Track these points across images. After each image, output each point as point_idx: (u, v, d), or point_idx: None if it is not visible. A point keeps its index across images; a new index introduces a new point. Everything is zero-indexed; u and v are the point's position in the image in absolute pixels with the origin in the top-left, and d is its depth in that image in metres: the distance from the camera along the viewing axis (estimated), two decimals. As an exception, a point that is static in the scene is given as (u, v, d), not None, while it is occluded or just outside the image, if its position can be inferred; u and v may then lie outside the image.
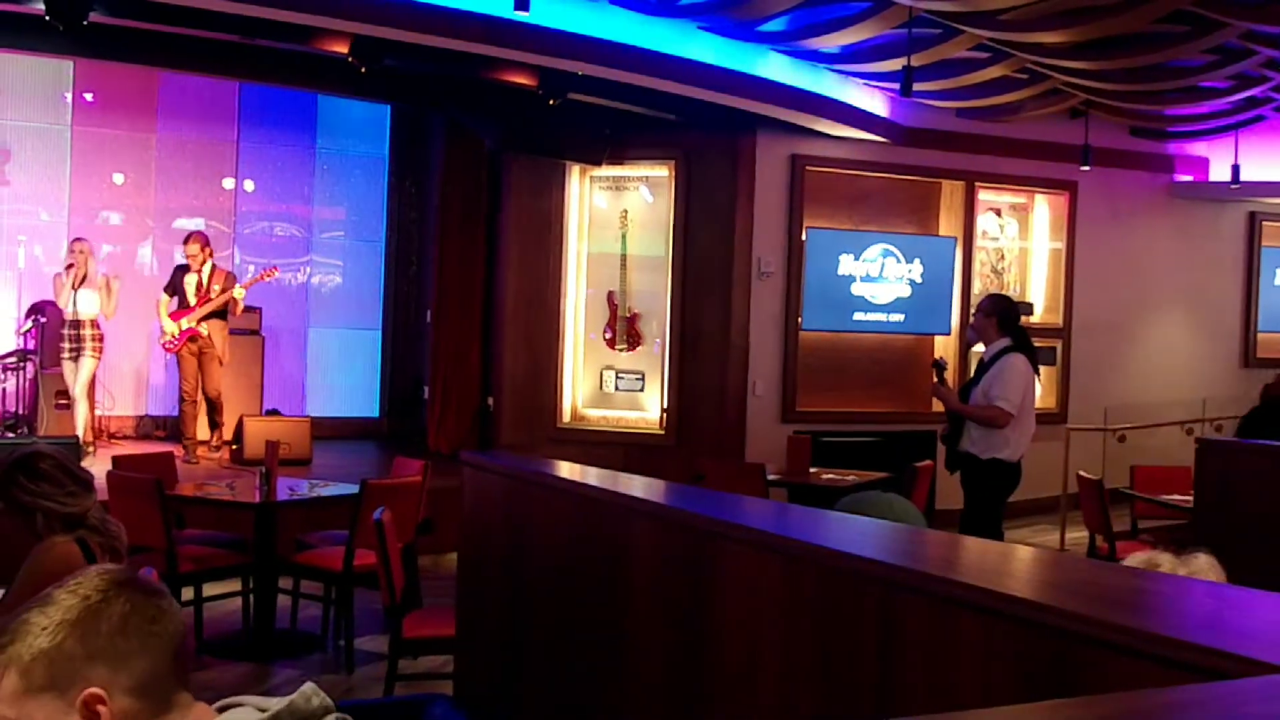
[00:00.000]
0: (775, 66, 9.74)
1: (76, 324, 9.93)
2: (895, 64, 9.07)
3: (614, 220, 11.33)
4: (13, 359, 10.87)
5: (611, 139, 11.00)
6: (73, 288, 9.88)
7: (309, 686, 1.90)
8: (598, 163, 11.18)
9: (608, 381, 11.29)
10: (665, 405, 10.92)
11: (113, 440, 11.37)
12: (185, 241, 10.62)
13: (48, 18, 8.09)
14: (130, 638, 1.58)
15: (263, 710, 1.95)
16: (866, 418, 11.07)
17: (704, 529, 3.15)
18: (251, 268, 12.16)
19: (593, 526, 3.78)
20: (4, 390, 10.95)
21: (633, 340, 11.18)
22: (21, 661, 1.54)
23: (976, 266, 11.84)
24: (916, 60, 8.83)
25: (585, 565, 3.79)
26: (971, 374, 8.26)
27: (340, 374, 12.93)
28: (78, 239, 10.24)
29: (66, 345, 9.97)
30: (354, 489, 6.96)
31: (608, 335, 11.29)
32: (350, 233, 13.08)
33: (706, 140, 10.81)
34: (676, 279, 10.93)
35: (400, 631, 5.62)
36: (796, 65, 9.89)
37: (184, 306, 10.44)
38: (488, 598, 4.43)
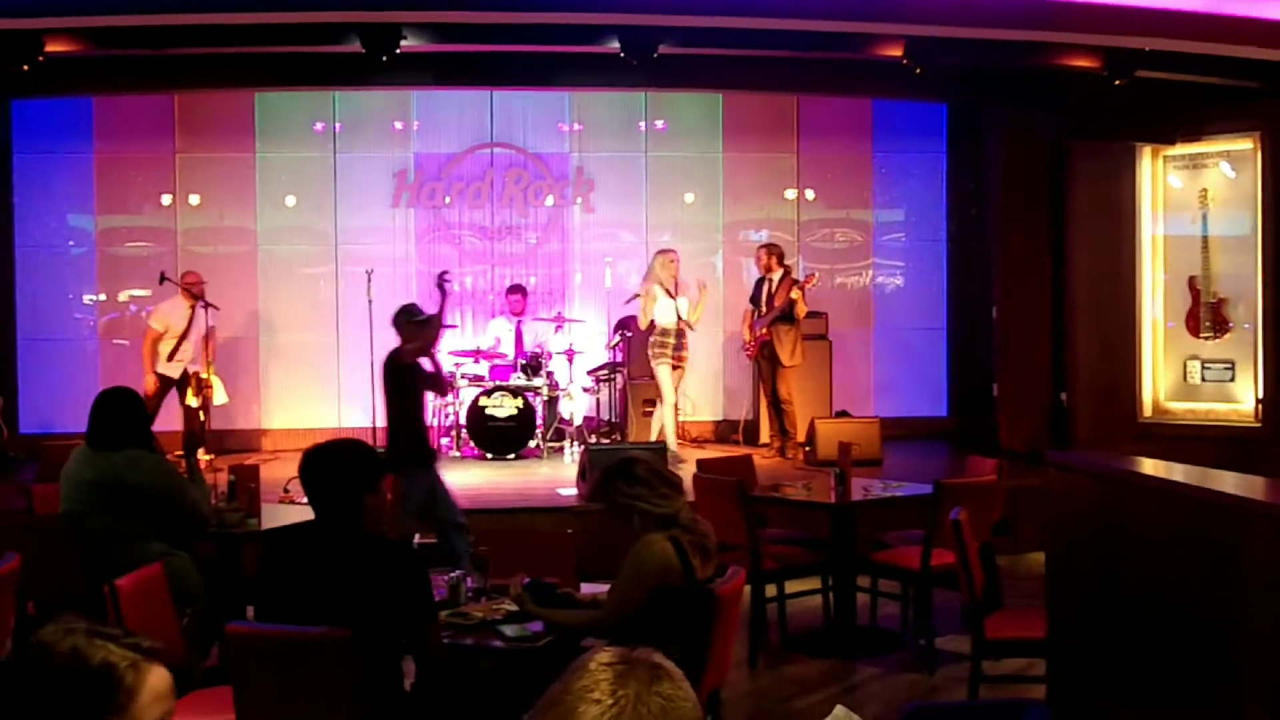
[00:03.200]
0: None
1: (667, 333, 10.52)
2: None
3: (1192, 200, 10.63)
4: (604, 371, 11.81)
5: (1186, 114, 10.32)
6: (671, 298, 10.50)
7: (841, 710, 1.88)
8: (1171, 141, 10.56)
9: (1192, 372, 10.61)
10: (1260, 395, 10.08)
11: (694, 444, 12.05)
12: (758, 252, 11.20)
13: (622, 55, 8.76)
14: None
15: None
16: None
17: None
18: (816, 275, 12.49)
19: (1192, 528, 3.54)
20: (597, 400, 11.93)
21: (1219, 327, 10.43)
22: None
23: None
24: None
25: (1186, 570, 3.56)
26: None
27: (906, 374, 12.99)
28: (664, 250, 10.87)
29: (659, 353, 10.56)
30: (928, 489, 6.96)
31: (1190, 323, 10.61)
32: (911, 233, 13.11)
33: (1296, 105, 9.88)
34: (1267, 258, 10.06)
35: (983, 632, 5.54)
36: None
37: (759, 316, 10.99)
38: (1080, 601, 4.27)
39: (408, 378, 7.61)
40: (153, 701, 1.90)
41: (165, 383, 10.56)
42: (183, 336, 10.57)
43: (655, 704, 1.61)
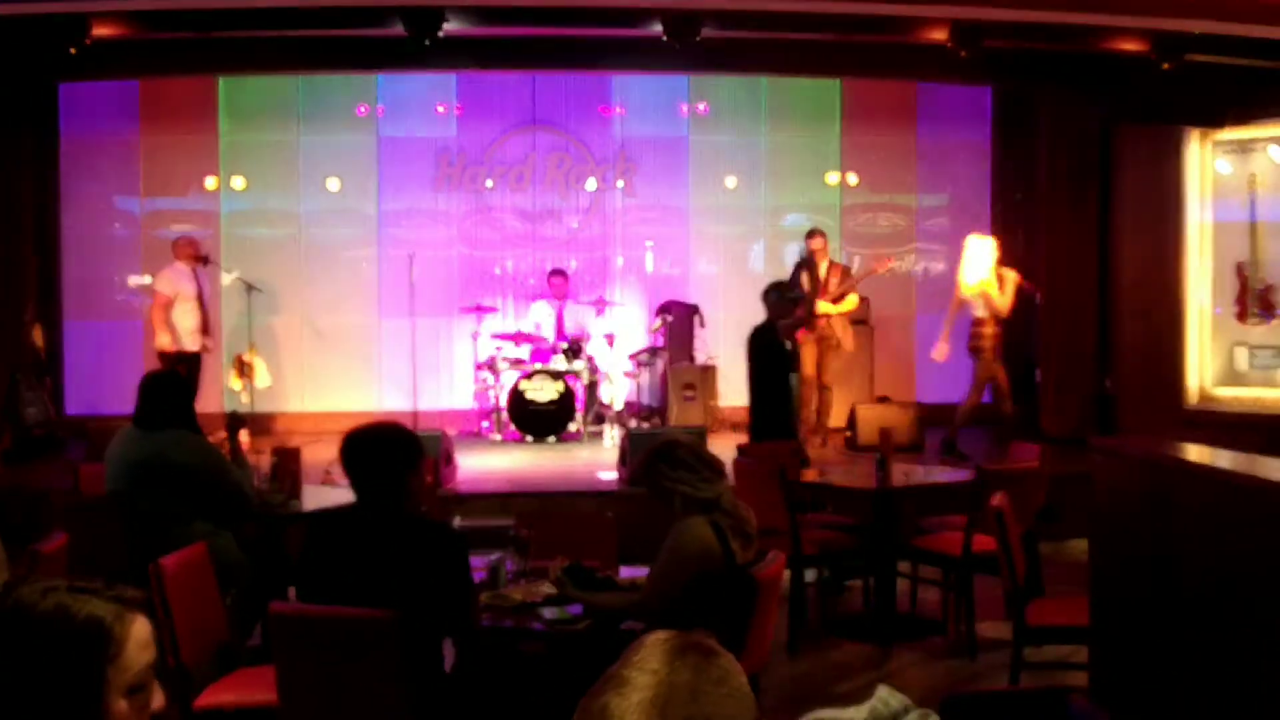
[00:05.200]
0: None
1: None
2: None
3: (1240, 185, 10.52)
4: (644, 354, 11.81)
5: (1234, 98, 10.19)
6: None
7: (884, 689, 1.89)
8: (1219, 125, 10.42)
9: (1239, 358, 10.49)
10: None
11: (734, 429, 12.00)
12: (808, 237, 11.08)
13: (665, 38, 8.74)
14: (703, 703, 1.63)
15: None
16: None
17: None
18: (857, 259, 12.41)
19: (1239, 516, 3.50)
20: (637, 384, 11.92)
21: (1267, 313, 10.32)
22: None
23: None
24: None
25: (1233, 558, 3.51)
26: None
27: (949, 359, 12.83)
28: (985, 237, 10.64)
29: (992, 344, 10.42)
30: (969, 475, 6.91)
31: (1236, 309, 10.50)
32: (954, 218, 12.98)
33: (1347, 89, 9.74)
34: (1316, 245, 9.96)
35: (1024, 618, 5.50)
36: None
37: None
38: (1125, 590, 4.23)
39: (778, 353, 7.61)
40: (139, 650, 1.93)
41: (190, 361, 10.45)
42: (196, 300, 10.56)
43: (707, 680, 1.66)
